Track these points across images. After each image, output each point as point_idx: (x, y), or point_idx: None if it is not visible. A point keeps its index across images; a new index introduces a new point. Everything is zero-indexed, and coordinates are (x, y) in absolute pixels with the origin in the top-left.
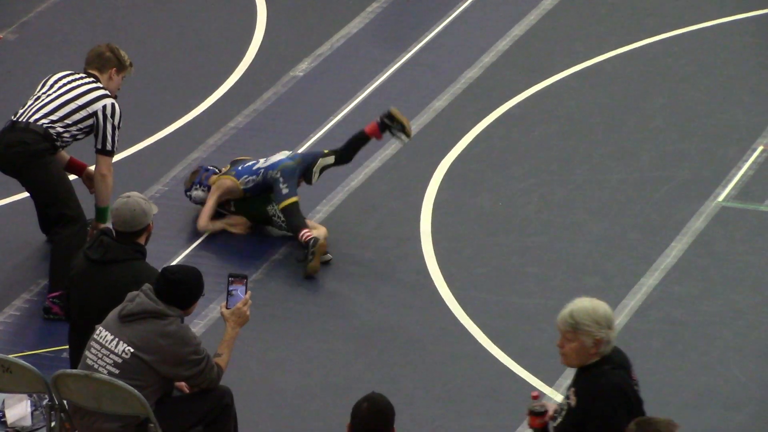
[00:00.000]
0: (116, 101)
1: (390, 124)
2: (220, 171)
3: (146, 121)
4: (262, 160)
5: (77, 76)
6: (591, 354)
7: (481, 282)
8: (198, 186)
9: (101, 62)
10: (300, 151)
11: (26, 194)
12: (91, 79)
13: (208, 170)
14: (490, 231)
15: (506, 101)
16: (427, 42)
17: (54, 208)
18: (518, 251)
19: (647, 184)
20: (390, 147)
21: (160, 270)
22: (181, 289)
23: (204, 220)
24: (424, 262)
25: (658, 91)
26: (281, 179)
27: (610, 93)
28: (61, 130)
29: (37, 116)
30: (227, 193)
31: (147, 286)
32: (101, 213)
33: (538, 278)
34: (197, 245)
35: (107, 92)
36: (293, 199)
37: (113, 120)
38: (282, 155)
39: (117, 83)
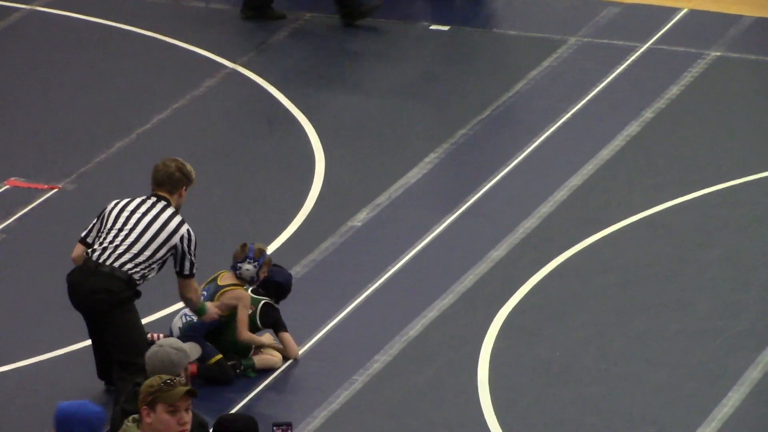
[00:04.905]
0: (189, 226)
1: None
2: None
3: (207, 273)
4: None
5: (149, 204)
6: None
7: None
8: (251, 260)
9: (172, 184)
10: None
11: (83, 344)
12: (163, 204)
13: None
14: (547, 381)
15: (563, 251)
16: (485, 192)
17: (126, 356)
18: (576, 401)
19: (705, 334)
20: (447, 297)
21: (215, 417)
22: None
23: (244, 333)
24: (482, 413)
25: (715, 242)
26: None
27: (667, 243)
28: (145, 272)
29: (121, 260)
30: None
31: None
32: (200, 312)
33: (596, 428)
34: (256, 393)
35: (180, 218)
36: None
37: (190, 248)
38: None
39: (185, 198)
